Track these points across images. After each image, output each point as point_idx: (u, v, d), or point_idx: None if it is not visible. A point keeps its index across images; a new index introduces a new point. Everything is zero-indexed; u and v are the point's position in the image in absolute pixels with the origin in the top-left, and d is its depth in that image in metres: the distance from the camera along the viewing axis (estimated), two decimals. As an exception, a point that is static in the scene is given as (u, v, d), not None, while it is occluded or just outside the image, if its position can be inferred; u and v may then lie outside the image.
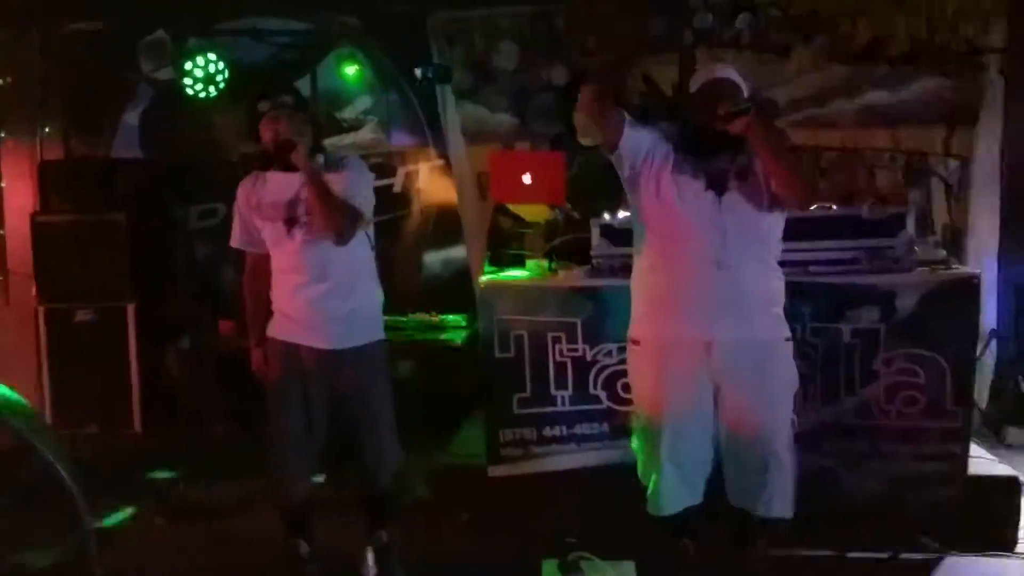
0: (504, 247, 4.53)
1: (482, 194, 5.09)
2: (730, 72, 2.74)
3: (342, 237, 2.78)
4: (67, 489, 2.20)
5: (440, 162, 5.37)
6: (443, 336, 4.45)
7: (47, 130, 5.42)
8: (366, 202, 2.89)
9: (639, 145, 2.67)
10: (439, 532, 3.43)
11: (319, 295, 2.85)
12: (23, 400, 2.39)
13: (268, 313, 2.96)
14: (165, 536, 3.59)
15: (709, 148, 2.66)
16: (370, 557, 3.03)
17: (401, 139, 5.48)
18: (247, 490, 3.97)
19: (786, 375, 2.71)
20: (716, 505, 2.74)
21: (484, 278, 3.91)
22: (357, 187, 2.86)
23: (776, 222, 2.71)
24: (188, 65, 4.74)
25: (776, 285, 2.74)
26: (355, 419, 2.92)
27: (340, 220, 2.76)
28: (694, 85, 2.74)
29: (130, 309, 4.93)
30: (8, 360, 5.14)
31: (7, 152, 5.39)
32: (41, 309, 5.01)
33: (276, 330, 2.94)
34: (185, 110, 5.28)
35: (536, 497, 3.57)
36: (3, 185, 5.38)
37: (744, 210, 2.63)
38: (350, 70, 5.14)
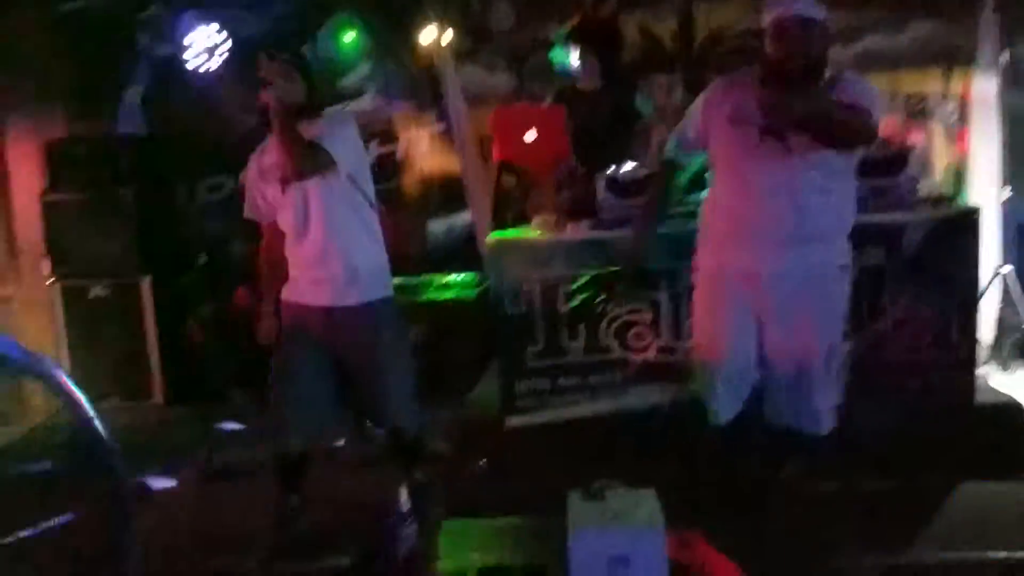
0: (510, 205, 4.57)
1: (484, 156, 5.11)
2: (810, 8, 2.58)
3: (299, 174, 2.85)
4: (106, 447, 2.26)
5: (442, 126, 5.38)
6: (454, 295, 4.52)
7: (48, 110, 5.43)
8: (340, 147, 2.89)
9: (690, 137, 2.95)
10: (459, 480, 3.51)
11: (312, 251, 2.95)
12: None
13: (280, 282, 3.07)
14: (197, 497, 3.68)
15: (776, 86, 2.60)
16: (403, 494, 3.11)
17: (402, 105, 5.49)
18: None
19: (830, 302, 2.80)
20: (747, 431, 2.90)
21: (492, 236, 3.96)
22: (330, 132, 2.91)
23: (845, 157, 2.70)
24: (189, 38, 4.72)
25: (841, 214, 2.77)
26: (362, 376, 2.99)
27: (298, 156, 2.82)
28: (767, 16, 2.65)
29: (145, 283, 4.99)
30: (24, 338, 5.20)
31: (11, 133, 5.41)
32: (56, 286, 5.07)
33: (286, 292, 3.05)
34: (187, 84, 5.29)
35: (552, 444, 3.66)
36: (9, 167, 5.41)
37: (806, 148, 2.62)
38: (348, 37, 5.13)
